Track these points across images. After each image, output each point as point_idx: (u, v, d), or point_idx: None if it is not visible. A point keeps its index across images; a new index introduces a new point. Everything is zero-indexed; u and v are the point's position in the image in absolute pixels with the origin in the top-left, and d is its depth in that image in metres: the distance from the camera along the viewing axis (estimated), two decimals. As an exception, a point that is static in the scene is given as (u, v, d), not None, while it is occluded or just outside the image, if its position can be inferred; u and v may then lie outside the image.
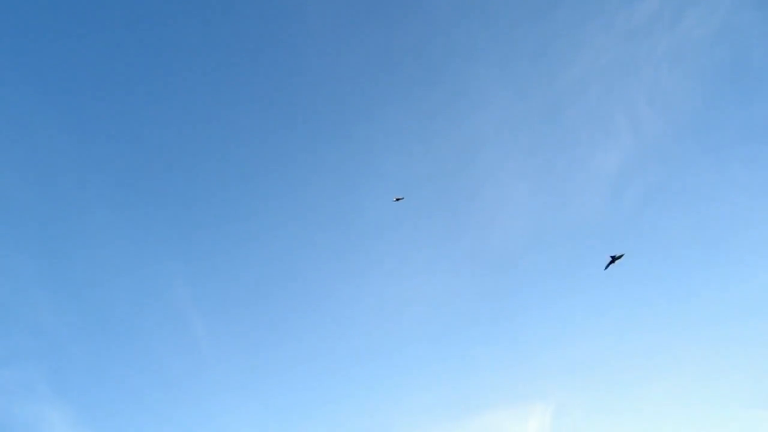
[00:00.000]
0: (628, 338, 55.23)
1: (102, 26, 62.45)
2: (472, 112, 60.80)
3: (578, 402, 54.37)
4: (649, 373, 53.56)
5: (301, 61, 64.36)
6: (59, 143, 58.90)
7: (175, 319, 57.89)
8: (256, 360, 58.11)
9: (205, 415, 54.20)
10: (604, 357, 55.16)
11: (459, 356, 58.60)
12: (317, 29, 63.71)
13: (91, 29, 62.27)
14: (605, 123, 57.72)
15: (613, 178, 57.57)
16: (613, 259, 37.09)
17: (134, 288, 58.62)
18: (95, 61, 61.72)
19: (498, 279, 59.29)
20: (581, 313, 56.85)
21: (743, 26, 54.73)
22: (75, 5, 61.71)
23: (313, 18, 63.41)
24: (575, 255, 57.32)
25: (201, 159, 63.54)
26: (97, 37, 62.33)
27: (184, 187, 62.25)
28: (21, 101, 58.45)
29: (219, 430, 53.21)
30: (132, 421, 53.64)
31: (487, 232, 59.66)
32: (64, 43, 61.10)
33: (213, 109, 63.53)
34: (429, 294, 60.30)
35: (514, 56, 60.70)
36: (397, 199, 43.21)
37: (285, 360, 58.90)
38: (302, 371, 58.63)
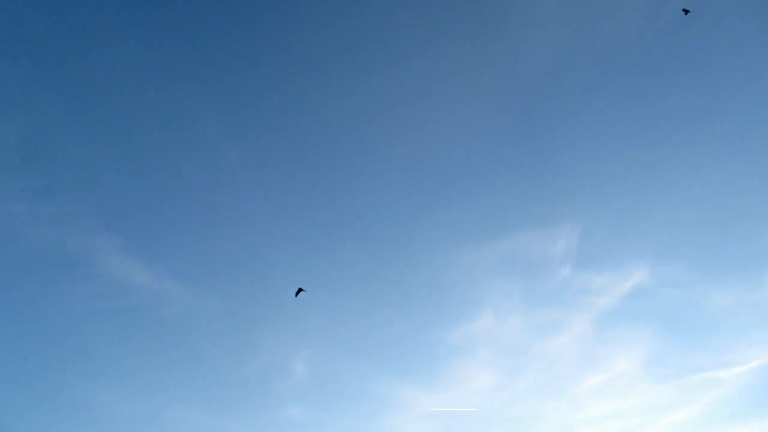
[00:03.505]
0: (653, 161, 54.28)
1: None
2: None
3: (604, 223, 55.41)
4: (669, 194, 53.44)
5: None
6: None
7: (207, 150, 58.41)
8: (290, 189, 58.43)
9: (241, 239, 57.01)
10: (631, 179, 54.76)
11: (484, 180, 58.46)
12: None
13: None
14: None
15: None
16: (299, 290, 42.90)
17: (165, 120, 57.83)
18: None
19: (526, 102, 57.15)
20: (610, 136, 55.74)
21: None
22: None
23: None
24: (606, 78, 54.93)
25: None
26: None
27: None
28: None
29: (251, 251, 56.46)
30: (176, 247, 56.66)
31: (515, 57, 56.67)
32: None
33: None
34: (454, 120, 58.45)
35: None
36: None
37: (314, 186, 58.80)
38: (327, 196, 58.83)
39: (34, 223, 58.74)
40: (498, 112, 59.98)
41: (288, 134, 62.20)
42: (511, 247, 58.48)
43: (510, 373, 57.01)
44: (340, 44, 61.81)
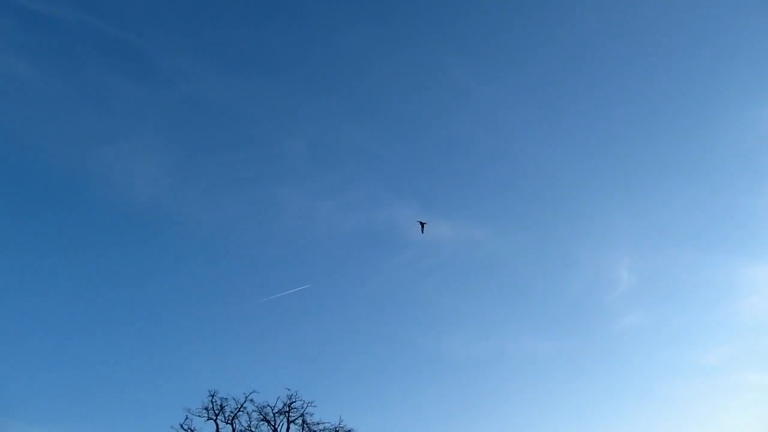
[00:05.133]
0: None
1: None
2: None
3: None
4: None
5: None
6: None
7: (460, 94, 68.21)
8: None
9: (523, 169, 65.34)
10: None
11: None
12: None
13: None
14: None
15: None
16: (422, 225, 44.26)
17: (419, 75, 68.86)
18: None
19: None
20: None
21: None
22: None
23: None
24: None
25: None
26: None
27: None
28: None
29: (541, 180, 61.74)
30: (466, 195, 67.60)
31: None
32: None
33: None
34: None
35: None
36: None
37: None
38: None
39: (340, 214, 69.37)
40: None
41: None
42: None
43: None
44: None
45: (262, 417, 38.50)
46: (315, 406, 38.86)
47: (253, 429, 38.29)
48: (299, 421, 38.66)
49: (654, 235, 57.14)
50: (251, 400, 38.36)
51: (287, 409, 38.70)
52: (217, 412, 37.91)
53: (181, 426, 37.18)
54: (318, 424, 38.63)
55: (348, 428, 38.74)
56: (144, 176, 67.84)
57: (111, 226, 68.07)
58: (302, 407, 38.71)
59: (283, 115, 69.53)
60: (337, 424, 38.71)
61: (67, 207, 69.27)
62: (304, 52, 69.24)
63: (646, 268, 55.59)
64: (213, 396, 38.09)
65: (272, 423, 38.58)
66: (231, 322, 62.08)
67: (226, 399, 38.22)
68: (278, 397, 38.99)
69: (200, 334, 62.59)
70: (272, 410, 38.68)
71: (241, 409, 38.25)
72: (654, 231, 57.58)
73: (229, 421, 38.11)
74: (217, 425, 37.81)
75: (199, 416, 37.71)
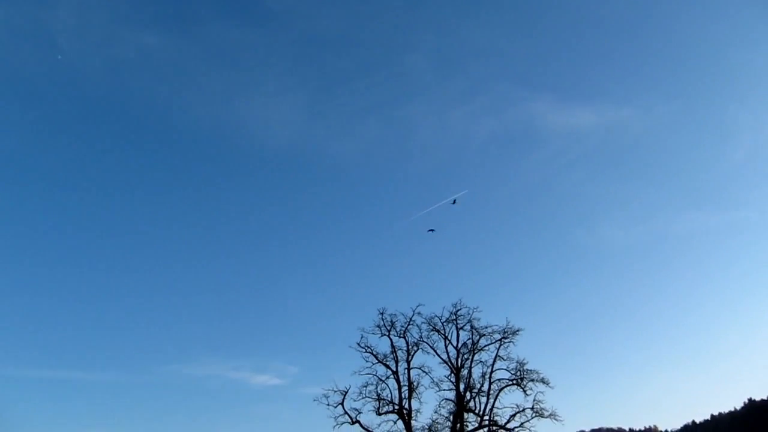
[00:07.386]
0: None
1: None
2: None
3: None
4: None
5: None
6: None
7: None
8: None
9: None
10: None
11: None
12: None
13: None
14: None
15: None
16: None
17: None
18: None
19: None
20: None
21: None
22: None
23: None
24: None
25: None
26: None
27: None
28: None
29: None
30: (608, 76, 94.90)
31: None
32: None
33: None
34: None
35: None
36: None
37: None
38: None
39: (473, 119, 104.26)
40: None
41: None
42: None
43: None
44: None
45: (431, 328, 40.24)
46: (480, 311, 39.70)
47: (425, 340, 40.09)
48: (467, 327, 39.89)
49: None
50: (419, 313, 40.17)
51: (454, 318, 40.09)
52: (388, 328, 40.20)
53: (358, 344, 39.83)
54: (486, 327, 39.76)
55: (515, 329, 39.25)
56: (278, 120, 72.02)
57: (255, 172, 73.19)
58: (468, 314, 39.82)
59: (400, 31, 69.44)
60: (505, 325, 39.37)
61: (212, 162, 74.41)
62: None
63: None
64: (383, 314, 40.29)
65: (442, 332, 40.17)
66: (388, 241, 66.84)
67: (395, 315, 40.35)
68: (443, 307, 40.26)
69: (362, 258, 67.52)
70: (440, 320, 40.16)
71: (411, 323, 40.07)
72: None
73: (402, 335, 40.26)
74: (391, 340, 40.16)
75: (373, 334, 40.10)
